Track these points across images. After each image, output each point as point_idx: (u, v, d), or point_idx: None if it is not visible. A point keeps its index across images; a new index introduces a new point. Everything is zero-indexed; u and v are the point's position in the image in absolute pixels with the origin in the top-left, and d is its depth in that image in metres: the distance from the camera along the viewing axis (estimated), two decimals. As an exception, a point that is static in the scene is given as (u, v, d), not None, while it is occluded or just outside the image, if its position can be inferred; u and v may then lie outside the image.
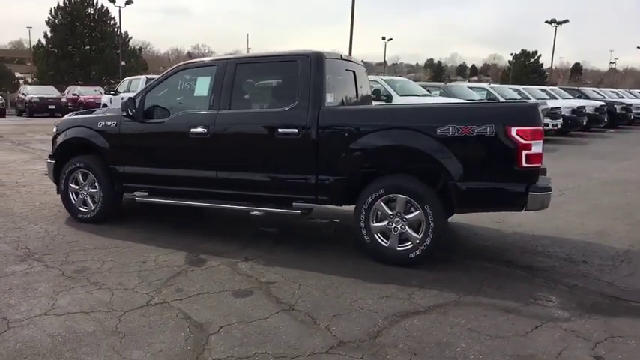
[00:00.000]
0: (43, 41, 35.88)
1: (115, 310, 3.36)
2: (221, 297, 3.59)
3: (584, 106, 17.20)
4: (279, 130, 4.38)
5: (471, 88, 15.66)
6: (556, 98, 18.56)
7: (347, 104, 4.90)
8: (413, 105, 4.70)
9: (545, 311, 3.39)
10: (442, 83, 15.02)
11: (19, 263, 4.23)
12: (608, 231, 5.46)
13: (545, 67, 64.29)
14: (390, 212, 4.16)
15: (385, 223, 4.21)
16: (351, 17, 25.42)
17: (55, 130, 5.74)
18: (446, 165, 3.92)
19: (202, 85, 4.90)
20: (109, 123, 5.21)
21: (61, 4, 35.63)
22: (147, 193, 5.27)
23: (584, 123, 17.19)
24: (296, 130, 4.33)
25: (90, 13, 36.30)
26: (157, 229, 5.25)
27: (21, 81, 40.68)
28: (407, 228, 4.14)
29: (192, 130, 4.72)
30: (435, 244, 4.06)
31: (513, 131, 3.72)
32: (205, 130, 4.67)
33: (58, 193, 5.66)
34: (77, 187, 5.51)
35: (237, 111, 4.66)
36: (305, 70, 4.41)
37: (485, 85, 17.52)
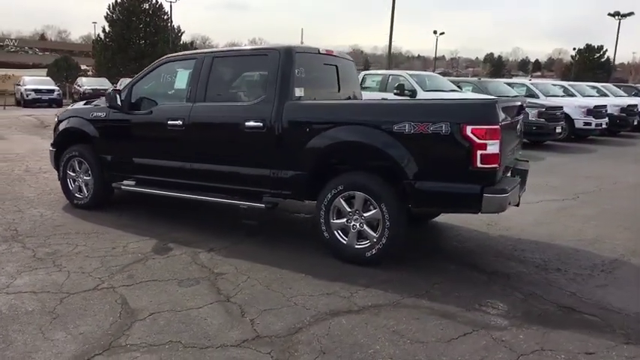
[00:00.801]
0: (102, 36, 37.84)
1: (62, 292, 3.53)
2: (166, 285, 3.68)
3: (635, 105, 16.07)
4: (246, 124, 4.41)
5: (508, 84, 15.01)
6: (607, 96, 17.48)
7: (325, 99, 4.84)
8: (370, 101, 4.58)
9: (484, 318, 3.23)
10: (475, 79, 14.46)
11: (0, 244, 4.51)
12: (604, 238, 5.11)
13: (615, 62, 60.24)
14: (349, 209, 4.10)
15: (344, 220, 4.15)
16: (391, 10, 24.99)
17: (56, 119, 6.06)
18: (401, 162, 3.80)
19: (183, 78, 5.01)
20: (99, 113, 5.44)
21: (119, 0, 37.41)
22: (134, 182, 5.47)
23: (636, 123, 16.08)
24: (261, 124, 4.35)
25: (145, 8, 37.89)
26: (141, 217, 5.44)
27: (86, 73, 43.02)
28: (365, 226, 4.07)
29: (169, 122, 4.85)
30: (391, 243, 3.96)
31: (468, 130, 3.55)
32: (181, 123, 4.78)
33: (59, 179, 5.98)
34: (74, 174, 5.80)
35: (211, 104, 4.73)
36: (274, 65, 4.41)
37: (524, 80, 16.71)
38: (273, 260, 4.22)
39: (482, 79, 14.67)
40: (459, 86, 12.77)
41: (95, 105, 5.72)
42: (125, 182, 5.44)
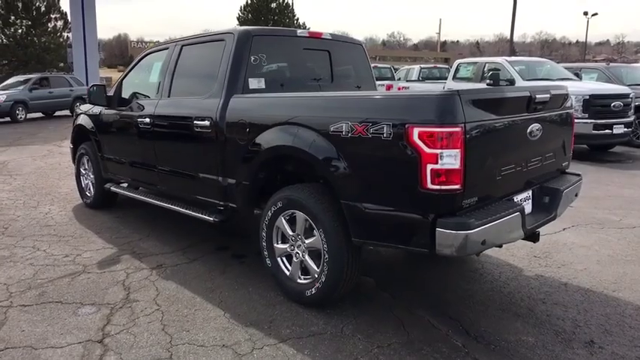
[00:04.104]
0: (233, 35, 40.16)
1: (-42, 307, 3.23)
2: (63, 311, 3.17)
3: None
4: (195, 122, 3.74)
5: (654, 69, 12.04)
6: None
7: (306, 90, 3.94)
8: (311, 94, 3.53)
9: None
10: (602, 64, 11.79)
11: (-25, 243, 4.48)
12: None
13: None
14: (291, 232, 3.20)
15: (287, 245, 3.26)
16: None
17: (74, 115, 6.02)
18: (336, 175, 2.80)
19: (157, 71, 4.50)
20: (95, 110, 5.20)
21: (249, 1, 39.22)
22: (126, 185, 5.18)
23: None
24: (208, 123, 3.64)
25: (272, 7, 39.19)
26: (133, 222, 5.09)
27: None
28: (306, 256, 3.13)
29: (139, 119, 4.38)
30: (331, 283, 2.97)
31: (415, 133, 2.43)
32: (149, 120, 4.28)
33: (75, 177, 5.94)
34: (84, 172, 5.70)
35: (171, 99, 4.15)
36: (227, 51, 3.66)
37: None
38: (210, 287, 3.51)
39: (611, 64, 11.96)
40: (577, 74, 10.50)
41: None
42: (115, 185, 5.16)
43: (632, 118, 8.99)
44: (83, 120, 5.51)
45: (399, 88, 15.95)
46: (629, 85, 9.82)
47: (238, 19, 39.92)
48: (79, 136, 5.68)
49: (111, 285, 3.57)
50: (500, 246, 2.99)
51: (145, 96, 4.59)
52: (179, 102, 4.07)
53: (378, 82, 4.99)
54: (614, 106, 8.62)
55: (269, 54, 3.75)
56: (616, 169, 8.17)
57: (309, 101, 3.15)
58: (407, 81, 17.87)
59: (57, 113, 18.49)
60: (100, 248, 4.33)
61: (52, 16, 33.39)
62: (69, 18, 26.78)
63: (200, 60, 4.06)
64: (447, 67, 21.11)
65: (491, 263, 3.97)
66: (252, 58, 3.63)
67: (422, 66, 20.14)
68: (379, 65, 20.54)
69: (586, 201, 5.63)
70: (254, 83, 3.63)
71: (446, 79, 17.45)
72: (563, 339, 2.83)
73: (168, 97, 4.18)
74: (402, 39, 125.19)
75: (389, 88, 15.87)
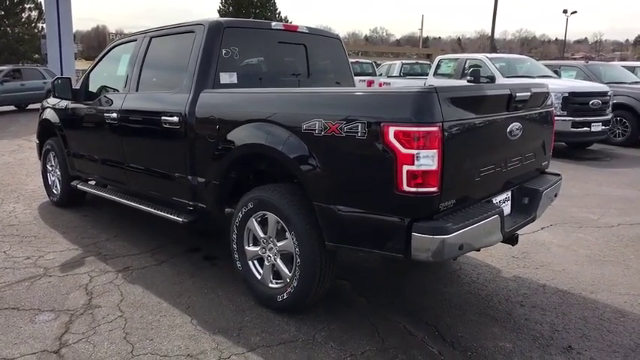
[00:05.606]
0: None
1: None
2: (19, 319, 2.98)
3: None
4: (163, 118, 3.56)
5: (631, 68, 12.17)
6: None
7: (283, 85, 3.79)
8: (283, 90, 3.39)
9: None
10: (581, 62, 11.85)
11: None
12: (684, 296, 3.39)
13: None
14: (262, 235, 3.06)
15: (259, 248, 3.12)
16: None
17: (40, 109, 5.76)
18: (308, 175, 2.66)
19: (125, 64, 4.30)
20: (62, 104, 4.97)
21: (230, -6, 38.67)
22: (94, 183, 4.97)
23: None
24: (177, 119, 3.46)
25: (254, 0, 38.63)
26: (102, 220, 4.88)
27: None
28: (278, 260, 3.00)
29: (106, 114, 4.18)
30: (304, 288, 2.84)
31: (390, 133, 2.30)
32: (116, 115, 4.08)
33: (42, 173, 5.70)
34: (51, 169, 5.46)
35: (139, 94, 3.96)
36: (197, 44, 3.48)
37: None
38: (178, 291, 3.35)
39: (590, 62, 12.04)
40: (556, 71, 10.53)
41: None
42: (82, 182, 4.95)
43: (609, 116, 9.04)
44: (49, 114, 5.26)
45: (380, 84, 15.86)
46: (607, 83, 9.88)
47: (219, 11, 39.28)
48: (45, 131, 5.44)
49: (73, 289, 3.39)
50: (478, 250, 2.91)
51: (113, 90, 4.39)
52: (147, 96, 3.89)
53: (359, 78, 4.87)
54: (592, 103, 8.66)
55: (242, 47, 3.59)
56: (594, 166, 8.21)
57: (281, 97, 3.00)
58: (388, 77, 17.77)
59: (30, 106, 17.93)
60: (64, 249, 4.13)
61: (26, 6, 32.46)
62: (44, 8, 25.96)
63: (169, 53, 3.87)
64: (428, 63, 21.05)
65: (469, 264, 3.89)
66: (224, 51, 3.47)
67: (404, 62, 20.03)
68: (361, 60, 20.36)
69: (564, 199, 5.59)
70: (225, 78, 3.47)
71: (427, 75, 17.46)
72: (541, 344, 2.75)
73: (137, 91, 4.00)
74: (384, 34, 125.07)
75: (370, 83, 15.78)
